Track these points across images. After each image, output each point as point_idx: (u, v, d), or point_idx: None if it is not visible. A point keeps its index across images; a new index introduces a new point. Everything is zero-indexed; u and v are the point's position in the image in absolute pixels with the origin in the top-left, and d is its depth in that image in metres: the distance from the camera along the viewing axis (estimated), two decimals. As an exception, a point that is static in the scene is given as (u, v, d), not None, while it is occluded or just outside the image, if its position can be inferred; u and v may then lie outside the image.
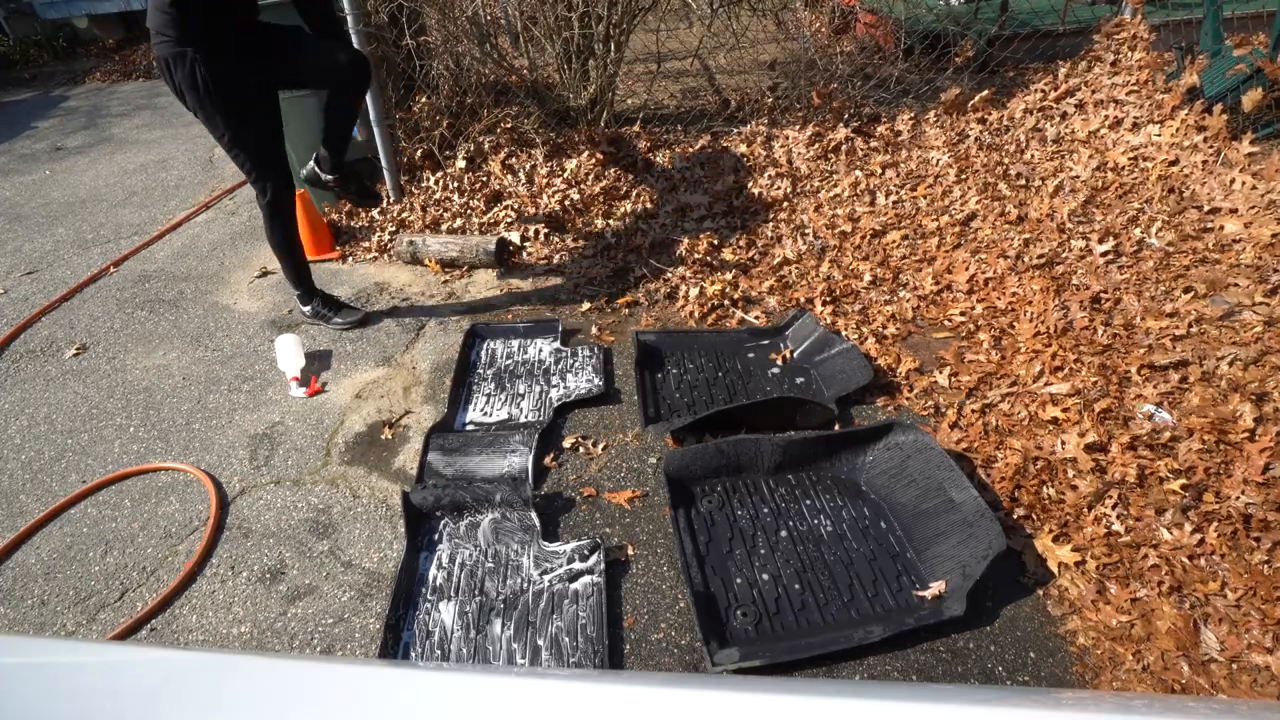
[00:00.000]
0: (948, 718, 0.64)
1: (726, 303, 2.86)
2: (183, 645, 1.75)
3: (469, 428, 2.38)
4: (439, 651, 1.67)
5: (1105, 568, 1.68)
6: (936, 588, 1.68)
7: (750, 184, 3.59)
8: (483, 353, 2.75)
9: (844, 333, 2.59)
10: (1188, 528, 1.69)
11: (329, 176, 2.70)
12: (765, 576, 1.77)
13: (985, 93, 3.79)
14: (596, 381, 2.49)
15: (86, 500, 2.24)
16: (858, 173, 3.54)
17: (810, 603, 1.70)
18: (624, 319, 2.89)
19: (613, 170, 3.77)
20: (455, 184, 3.76)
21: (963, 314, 2.61)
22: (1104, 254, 2.65)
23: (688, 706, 0.67)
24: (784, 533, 1.89)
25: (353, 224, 3.81)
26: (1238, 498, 1.72)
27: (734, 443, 2.05)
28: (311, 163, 2.73)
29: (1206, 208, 2.75)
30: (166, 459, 2.37)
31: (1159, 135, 3.18)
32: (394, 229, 3.68)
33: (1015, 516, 1.84)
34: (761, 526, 1.91)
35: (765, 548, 1.85)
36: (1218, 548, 1.65)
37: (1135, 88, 3.50)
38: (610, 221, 3.50)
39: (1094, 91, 3.62)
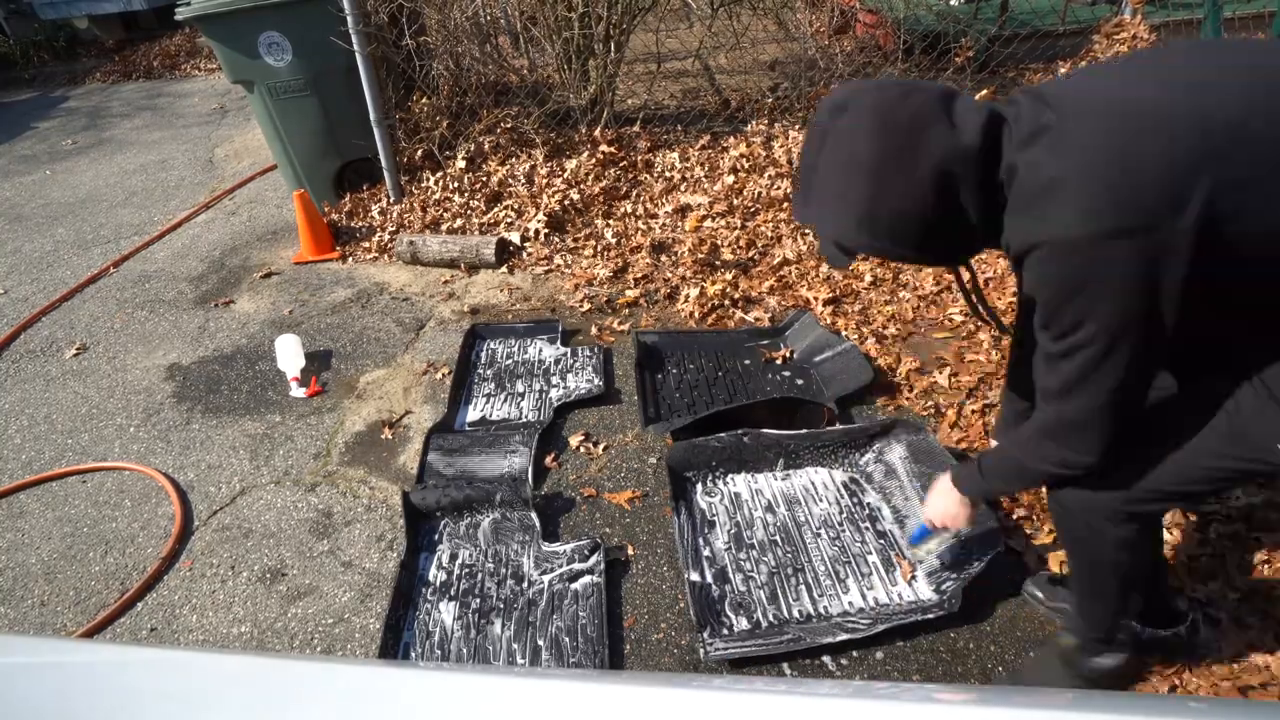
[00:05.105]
0: (948, 718, 0.64)
1: (726, 303, 2.86)
2: (183, 645, 1.75)
3: (469, 428, 2.38)
4: (439, 651, 1.67)
5: (1105, 568, 1.68)
6: (906, 567, 1.73)
7: (750, 184, 3.59)
8: (483, 353, 2.75)
9: (844, 333, 2.59)
10: (1188, 528, 1.69)
11: None
12: (762, 569, 1.78)
13: (985, 92, 3.79)
14: (596, 381, 2.49)
15: (86, 500, 2.25)
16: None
17: (806, 597, 1.71)
18: (624, 319, 2.89)
19: (613, 170, 3.76)
20: (455, 184, 3.76)
21: (963, 314, 2.61)
22: (1104, 254, 2.65)
23: (688, 706, 0.67)
24: (783, 526, 1.89)
25: (353, 224, 3.81)
26: (1238, 497, 1.72)
27: (737, 436, 2.06)
28: None
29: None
30: (167, 459, 2.38)
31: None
32: (394, 229, 3.68)
33: (1015, 517, 1.83)
34: (761, 520, 1.92)
35: (764, 540, 1.85)
36: (1217, 548, 1.65)
37: (1135, 88, 3.50)
38: (610, 221, 3.50)
39: (1094, 91, 3.61)
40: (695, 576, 1.76)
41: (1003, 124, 0.92)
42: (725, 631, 1.64)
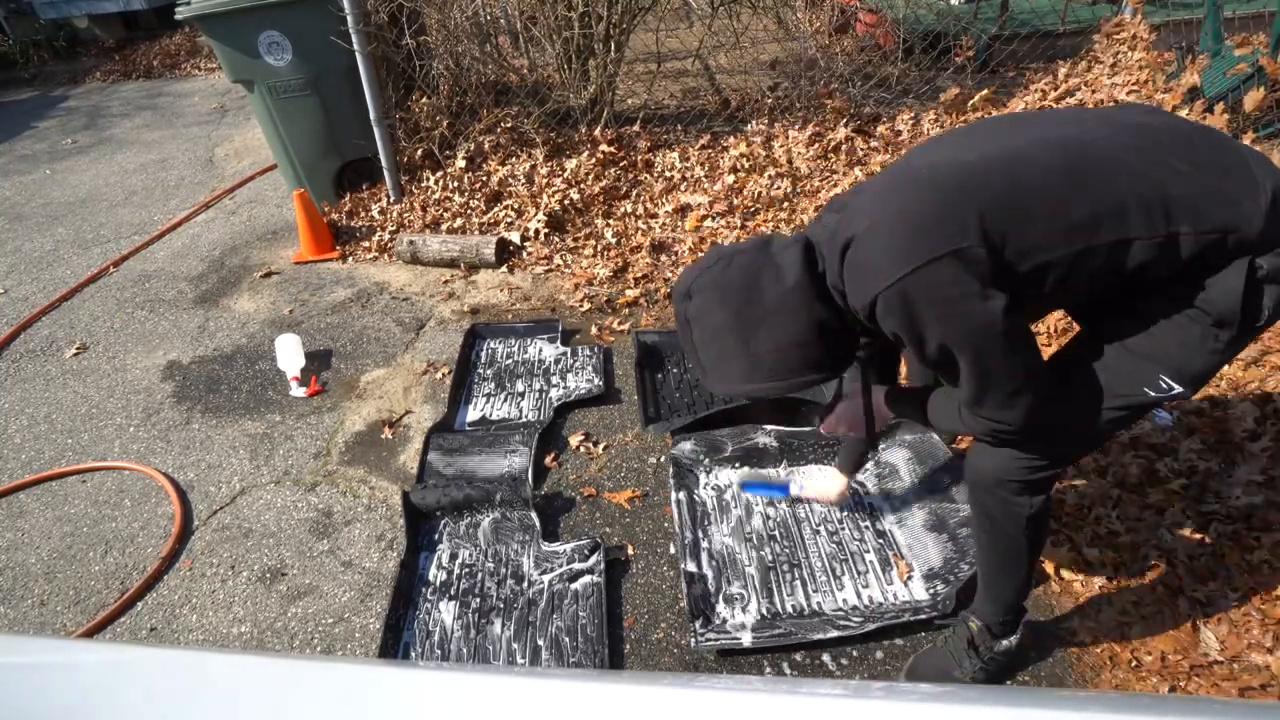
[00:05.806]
0: (948, 718, 0.64)
1: (726, 302, 2.85)
2: (183, 645, 1.75)
3: (469, 427, 2.38)
4: (439, 651, 1.67)
5: (1105, 568, 1.68)
6: (903, 567, 1.74)
7: (750, 184, 3.59)
8: (483, 352, 2.75)
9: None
10: (1188, 528, 1.69)
11: None
12: (759, 564, 1.79)
13: (985, 92, 3.79)
14: (596, 381, 2.49)
15: (86, 500, 2.25)
16: (858, 172, 3.54)
17: (800, 591, 1.72)
18: (624, 319, 2.89)
19: (613, 170, 3.76)
20: (455, 184, 3.75)
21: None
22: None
23: (688, 706, 0.67)
24: (783, 522, 1.89)
25: (353, 224, 3.81)
26: (1238, 498, 1.72)
27: (740, 431, 2.06)
28: None
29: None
30: (167, 459, 2.38)
31: (1159, 135, 3.17)
32: (394, 229, 3.68)
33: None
34: (761, 514, 1.92)
35: (763, 534, 1.86)
36: (1218, 548, 1.65)
37: (1135, 88, 3.50)
38: (610, 221, 3.50)
39: (1094, 91, 3.61)
40: (691, 566, 1.77)
41: (814, 246, 1.12)
42: (718, 622, 1.64)
